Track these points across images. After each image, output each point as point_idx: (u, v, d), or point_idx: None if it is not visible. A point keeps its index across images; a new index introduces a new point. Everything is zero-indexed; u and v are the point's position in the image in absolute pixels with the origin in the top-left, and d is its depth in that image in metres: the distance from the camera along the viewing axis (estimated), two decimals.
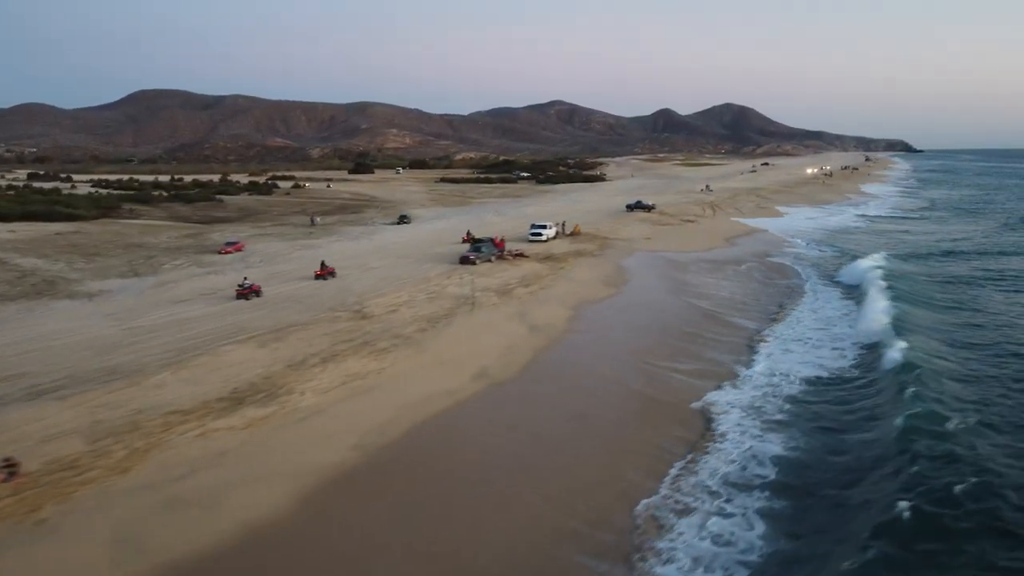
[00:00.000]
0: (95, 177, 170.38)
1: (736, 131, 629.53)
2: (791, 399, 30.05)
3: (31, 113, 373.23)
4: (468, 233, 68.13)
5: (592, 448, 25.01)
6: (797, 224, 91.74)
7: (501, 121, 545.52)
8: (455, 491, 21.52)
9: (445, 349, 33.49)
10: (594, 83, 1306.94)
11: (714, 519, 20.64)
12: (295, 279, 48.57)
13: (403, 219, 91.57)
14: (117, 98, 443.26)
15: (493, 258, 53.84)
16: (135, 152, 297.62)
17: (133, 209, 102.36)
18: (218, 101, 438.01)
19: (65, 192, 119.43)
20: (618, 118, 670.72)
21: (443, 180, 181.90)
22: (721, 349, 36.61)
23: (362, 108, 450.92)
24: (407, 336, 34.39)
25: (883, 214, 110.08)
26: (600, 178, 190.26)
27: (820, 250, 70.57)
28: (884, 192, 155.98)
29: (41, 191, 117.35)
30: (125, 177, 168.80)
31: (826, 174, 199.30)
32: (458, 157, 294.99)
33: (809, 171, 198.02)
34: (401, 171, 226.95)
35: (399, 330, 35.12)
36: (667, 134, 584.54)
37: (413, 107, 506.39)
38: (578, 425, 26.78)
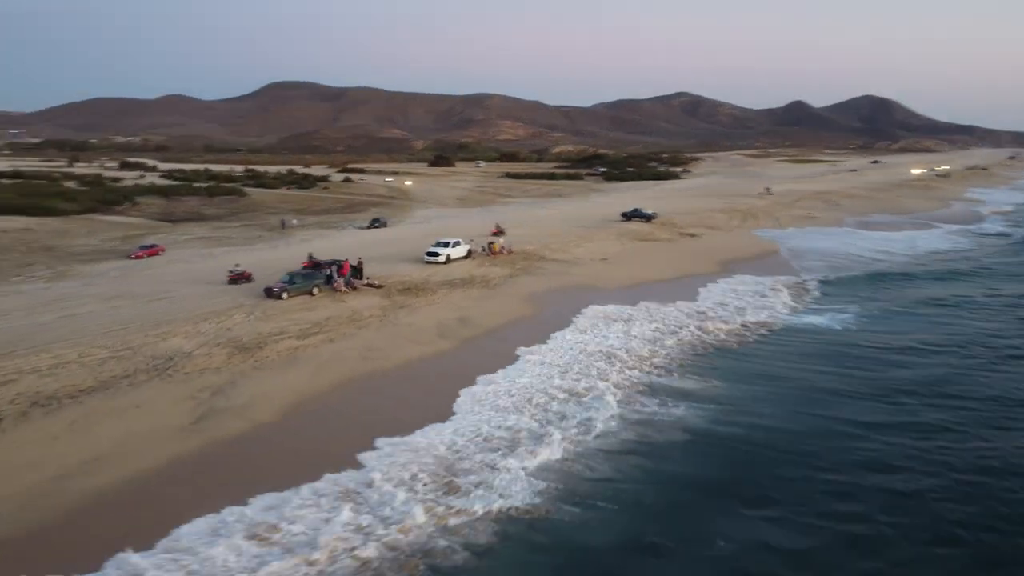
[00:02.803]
0: (176, 167, 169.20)
1: (873, 125, 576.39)
2: None
3: (173, 104, 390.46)
4: (496, 226, 67.43)
5: None
6: (829, 243, 72.44)
7: (621, 113, 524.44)
8: None
9: None
10: (724, 74, 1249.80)
11: None
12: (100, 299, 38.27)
13: (375, 223, 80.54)
14: (253, 90, 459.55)
15: (315, 290, 41.09)
16: (255, 142, 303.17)
17: (138, 203, 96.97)
18: (342, 93, 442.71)
19: (124, 182, 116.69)
20: (746, 110, 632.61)
21: (507, 175, 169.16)
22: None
23: (479, 100, 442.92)
24: None
25: (959, 228, 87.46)
26: (674, 176, 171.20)
27: (816, 285, 52.52)
28: (995, 199, 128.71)
29: (83, 180, 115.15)
30: (202, 168, 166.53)
31: (940, 175, 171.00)
32: (555, 150, 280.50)
33: (915, 171, 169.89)
34: (482, 164, 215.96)
35: None
36: (796, 128, 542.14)
37: (532, 99, 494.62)
38: None
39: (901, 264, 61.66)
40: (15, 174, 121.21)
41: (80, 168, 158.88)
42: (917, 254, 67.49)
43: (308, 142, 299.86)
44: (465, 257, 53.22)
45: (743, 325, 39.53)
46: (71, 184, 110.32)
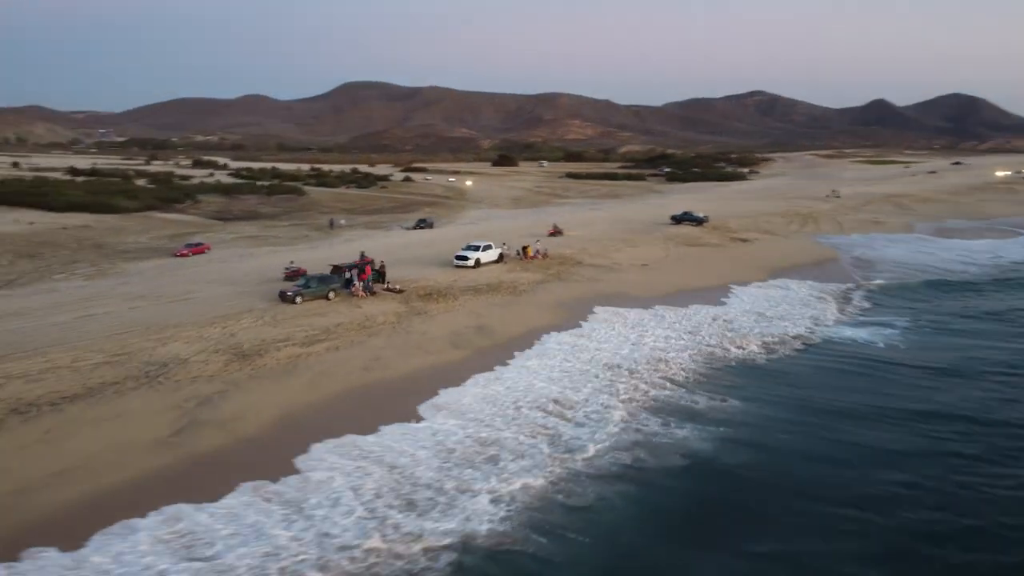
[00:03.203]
0: (245, 165, 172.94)
1: (960, 124, 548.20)
2: None
3: (251, 104, 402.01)
4: (554, 226, 69.08)
5: None
6: (895, 251, 68.03)
7: (693, 112, 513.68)
8: None
9: None
10: (801, 71, 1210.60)
11: None
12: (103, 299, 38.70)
13: (421, 223, 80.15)
14: (327, 90, 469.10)
15: (332, 294, 40.34)
16: (327, 141, 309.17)
17: (199, 201, 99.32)
18: (414, 93, 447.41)
19: (193, 180, 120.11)
20: (825, 109, 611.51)
21: (568, 175, 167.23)
22: None
23: (549, 99, 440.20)
24: None
25: None
26: (740, 177, 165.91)
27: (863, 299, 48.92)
28: None
29: (154, 177, 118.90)
30: (269, 166, 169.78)
31: None
32: (622, 150, 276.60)
33: (999, 173, 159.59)
34: (545, 164, 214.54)
35: None
36: (876, 127, 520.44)
37: (603, 98, 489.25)
38: None
39: (973, 274, 57.15)
40: (92, 171, 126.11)
41: (155, 166, 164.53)
42: (994, 264, 62.20)
43: (378, 141, 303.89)
44: (496, 261, 51.79)
45: (775, 337, 36.87)
46: (142, 182, 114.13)
